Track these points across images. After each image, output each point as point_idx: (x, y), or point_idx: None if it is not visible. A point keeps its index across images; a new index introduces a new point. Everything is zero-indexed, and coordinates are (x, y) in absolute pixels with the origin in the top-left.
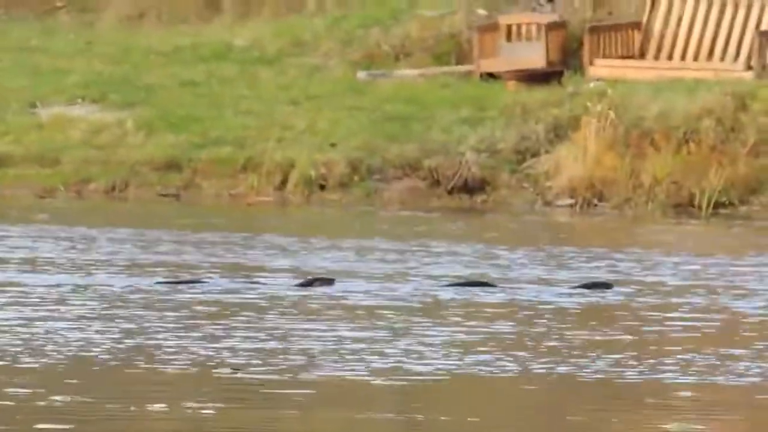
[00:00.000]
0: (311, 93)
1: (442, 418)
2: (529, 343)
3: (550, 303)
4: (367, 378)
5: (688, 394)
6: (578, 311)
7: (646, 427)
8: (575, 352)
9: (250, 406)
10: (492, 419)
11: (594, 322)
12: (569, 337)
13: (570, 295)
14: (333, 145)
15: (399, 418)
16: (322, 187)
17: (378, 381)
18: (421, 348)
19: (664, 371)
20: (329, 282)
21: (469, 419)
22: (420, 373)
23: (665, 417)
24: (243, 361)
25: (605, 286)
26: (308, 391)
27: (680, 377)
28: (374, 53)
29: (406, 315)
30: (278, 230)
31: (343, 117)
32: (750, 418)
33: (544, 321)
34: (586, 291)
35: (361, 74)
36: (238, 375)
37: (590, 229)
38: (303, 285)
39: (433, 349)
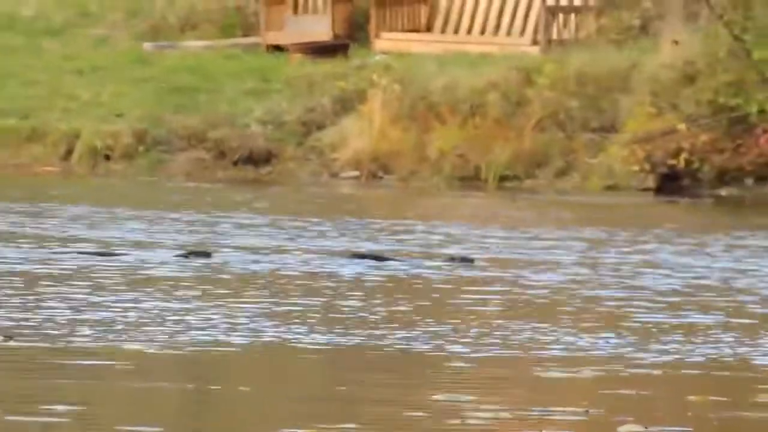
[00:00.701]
0: (97, 64)
1: (212, 387)
2: (329, 314)
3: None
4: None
5: (465, 365)
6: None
7: (414, 397)
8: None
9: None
10: (262, 388)
11: (381, 295)
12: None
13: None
14: (119, 115)
15: (171, 387)
16: (108, 158)
17: (165, 351)
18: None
19: (454, 343)
20: (207, 255)
21: (240, 388)
22: (210, 344)
23: (436, 388)
24: (20, 331)
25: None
26: (89, 362)
27: (462, 349)
28: (160, 25)
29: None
30: (69, 200)
31: (128, 88)
32: (525, 391)
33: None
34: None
35: (147, 45)
36: (11, 343)
37: (372, 200)
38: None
39: (233, 320)
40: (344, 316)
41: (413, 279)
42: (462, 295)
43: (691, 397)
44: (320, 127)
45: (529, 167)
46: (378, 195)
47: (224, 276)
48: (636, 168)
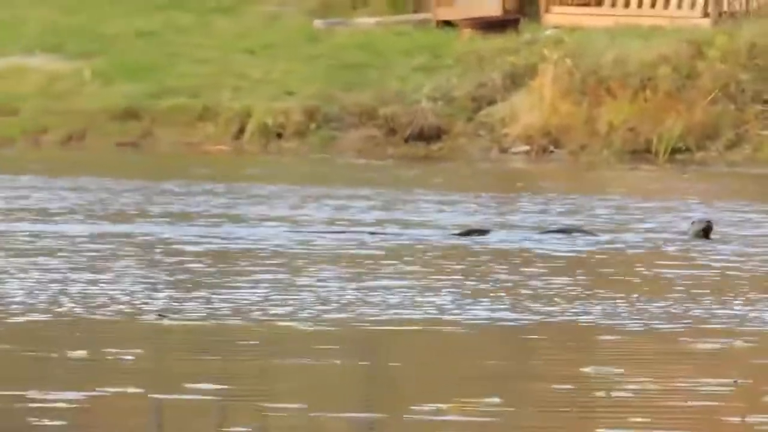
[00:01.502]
0: (267, 41)
1: (391, 364)
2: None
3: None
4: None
5: (618, 338)
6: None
7: (564, 371)
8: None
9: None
10: (423, 363)
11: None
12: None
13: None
14: (290, 93)
15: (346, 363)
16: (279, 136)
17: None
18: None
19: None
20: (484, 232)
21: (390, 364)
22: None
23: (587, 362)
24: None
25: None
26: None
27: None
28: (331, 2)
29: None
30: (263, 179)
31: (299, 65)
32: (673, 363)
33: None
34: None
35: (318, 22)
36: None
37: (543, 174)
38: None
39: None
40: (532, 291)
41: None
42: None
43: None
44: (491, 102)
45: (699, 140)
46: (550, 169)
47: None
48: None
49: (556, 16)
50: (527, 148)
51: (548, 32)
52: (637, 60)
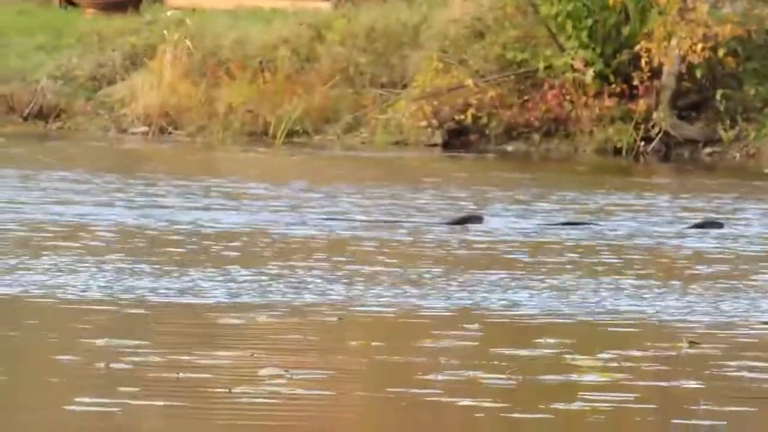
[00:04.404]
0: None
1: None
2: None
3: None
4: None
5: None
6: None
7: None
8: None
9: None
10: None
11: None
12: None
13: None
14: None
15: None
16: None
17: None
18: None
19: None
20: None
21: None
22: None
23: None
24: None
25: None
26: None
27: None
28: None
29: None
30: None
31: None
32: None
33: None
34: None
35: None
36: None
37: (156, 155)
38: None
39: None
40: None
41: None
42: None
43: None
44: (111, 82)
45: (318, 123)
46: (162, 150)
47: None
48: (424, 124)
49: None
50: (146, 128)
51: (170, 13)
52: (258, 42)
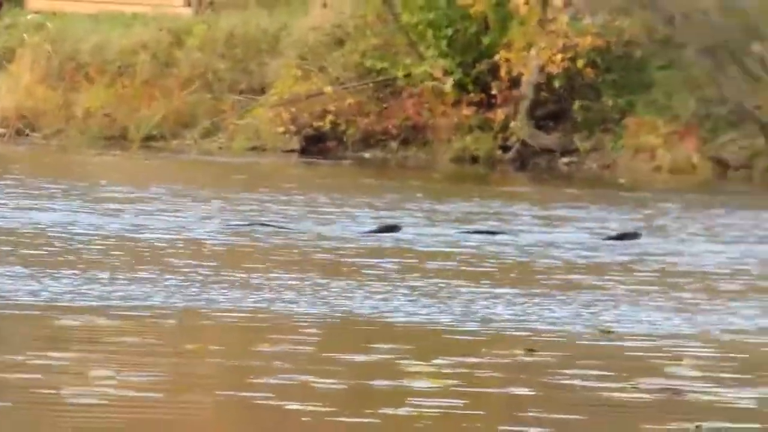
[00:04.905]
0: None
1: None
2: None
3: None
4: None
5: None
6: None
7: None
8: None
9: None
10: None
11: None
12: None
13: None
14: None
15: None
16: None
17: None
18: None
19: None
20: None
21: None
22: None
23: None
24: None
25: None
26: None
27: None
28: None
29: None
30: None
31: None
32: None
33: None
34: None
35: None
36: None
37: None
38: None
39: None
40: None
41: None
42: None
43: None
44: None
45: (176, 128)
46: (18, 152)
47: None
48: (281, 130)
49: (39, 2)
50: (2, 131)
51: (29, 17)
52: (117, 47)
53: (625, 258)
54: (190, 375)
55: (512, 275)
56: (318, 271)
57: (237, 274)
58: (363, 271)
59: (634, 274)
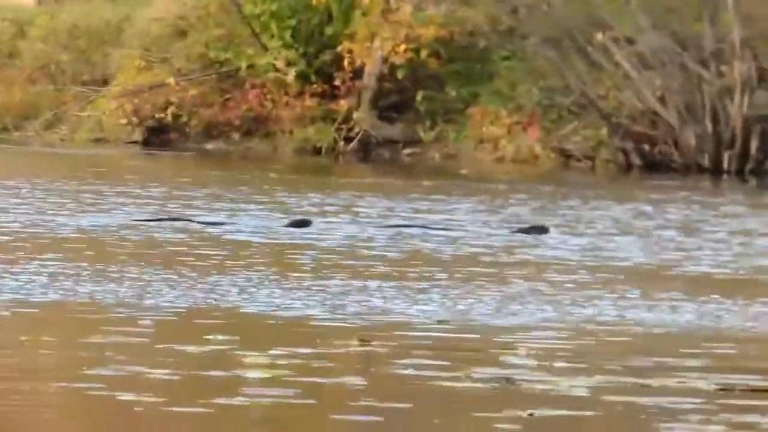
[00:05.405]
0: None
1: None
2: None
3: None
4: None
5: None
6: None
7: None
8: None
9: None
10: None
11: None
12: None
13: None
14: None
15: None
16: None
17: None
18: None
19: None
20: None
21: None
22: None
23: None
24: None
25: None
26: None
27: None
28: None
29: None
30: None
31: None
32: None
33: None
34: None
35: None
36: None
37: None
38: None
39: None
40: None
41: None
42: None
43: None
44: None
45: (17, 119)
46: None
47: None
48: (124, 121)
49: None
50: None
51: None
52: None
53: (479, 250)
54: (21, 367)
55: (344, 264)
56: (157, 265)
57: (71, 266)
58: (197, 263)
59: (469, 268)
